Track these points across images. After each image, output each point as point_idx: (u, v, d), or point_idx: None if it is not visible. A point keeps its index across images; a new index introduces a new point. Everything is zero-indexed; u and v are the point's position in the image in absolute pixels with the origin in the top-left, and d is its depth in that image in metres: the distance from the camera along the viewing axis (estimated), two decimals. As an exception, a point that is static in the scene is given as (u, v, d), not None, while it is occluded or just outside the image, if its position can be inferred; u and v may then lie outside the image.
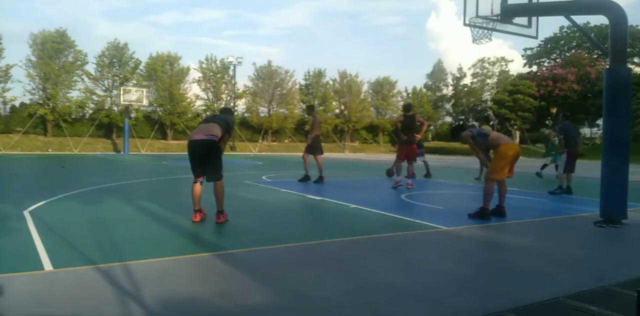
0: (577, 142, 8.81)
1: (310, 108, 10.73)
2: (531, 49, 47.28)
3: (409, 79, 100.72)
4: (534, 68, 46.28)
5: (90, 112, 31.78)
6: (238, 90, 36.26)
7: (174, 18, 76.61)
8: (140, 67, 33.04)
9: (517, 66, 54.51)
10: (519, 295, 2.90)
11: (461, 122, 44.39)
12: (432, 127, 46.69)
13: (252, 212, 6.32)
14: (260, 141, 36.78)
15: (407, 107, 9.66)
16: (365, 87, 42.37)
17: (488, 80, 46.12)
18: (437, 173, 13.97)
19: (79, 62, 30.62)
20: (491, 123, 10.23)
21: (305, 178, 10.08)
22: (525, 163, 21.84)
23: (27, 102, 29.59)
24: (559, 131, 8.89)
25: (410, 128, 9.20)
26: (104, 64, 31.36)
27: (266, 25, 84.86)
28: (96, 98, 31.56)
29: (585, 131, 44.22)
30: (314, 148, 10.00)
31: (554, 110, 39.37)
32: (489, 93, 46.05)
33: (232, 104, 34.67)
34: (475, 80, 46.24)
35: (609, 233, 5.11)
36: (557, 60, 45.50)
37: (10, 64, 28.04)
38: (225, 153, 5.45)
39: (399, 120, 9.47)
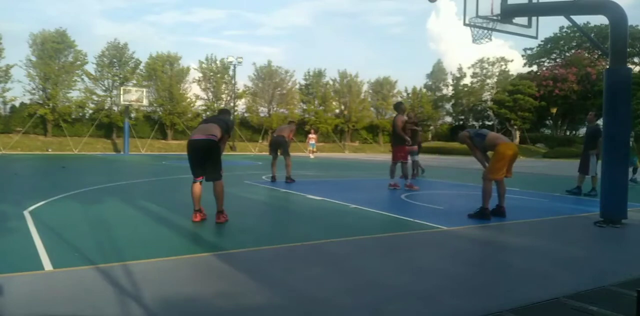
0: None
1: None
2: (531, 49, 47.29)
3: (409, 79, 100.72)
4: (534, 68, 46.31)
5: (90, 112, 31.74)
6: (238, 90, 36.24)
7: (174, 18, 76.52)
8: (140, 67, 33.01)
9: (518, 66, 54.51)
10: (519, 295, 2.90)
11: (461, 122, 44.40)
12: (431, 127, 46.71)
13: (252, 212, 6.32)
14: (260, 141, 36.76)
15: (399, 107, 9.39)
16: (365, 87, 42.35)
17: (488, 80, 46.07)
18: (437, 173, 13.97)
19: (79, 62, 30.56)
20: (407, 114, 9.85)
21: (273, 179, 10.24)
22: (526, 164, 21.85)
23: (27, 102, 29.56)
24: (600, 133, 8.58)
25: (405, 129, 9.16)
26: (104, 64, 31.33)
27: (266, 25, 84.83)
28: (96, 98, 31.51)
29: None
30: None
31: (554, 110, 39.35)
32: (489, 93, 46.01)
33: (232, 104, 34.65)
34: (475, 80, 46.22)
35: (609, 233, 5.11)
36: (557, 60, 45.49)
37: (10, 64, 28.03)
38: (225, 153, 5.45)
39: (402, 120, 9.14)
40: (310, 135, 28.80)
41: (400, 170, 9.27)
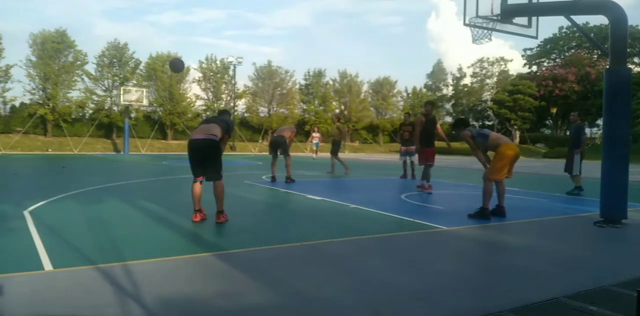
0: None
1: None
2: (531, 49, 47.33)
3: (409, 78, 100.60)
4: (534, 68, 46.30)
5: (90, 112, 31.75)
6: (238, 90, 36.24)
7: (174, 18, 76.58)
8: (140, 67, 33.01)
9: (517, 66, 54.51)
10: (519, 295, 2.90)
11: (462, 116, 44.36)
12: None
13: (252, 212, 6.32)
14: (260, 141, 36.75)
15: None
16: (365, 87, 42.37)
17: (487, 80, 46.07)
18: (437, 173, 13.96)
19: (79, 62, 30.55)
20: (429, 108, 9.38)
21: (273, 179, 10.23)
22: (526, 164, 21.84)
23: (27, 102, 29.55)
24: (582, 131, 8.89)
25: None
26: (104, 64, 31.33)
27: (266, 25, 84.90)
28: (96, 98, 31.52)
29: (586, 131, 44.24)
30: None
31: (554, 110, 39.36)
32: (489, 93, 46.01)
33: (232, 104, 34.65)
34: (475, 80, 46.22)
35: (609, 233, 5.11)
36: (557, 60, 45.51)
37: (10, 64, 28.02)
38: (225, 153, 5.45)
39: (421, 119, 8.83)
40: (314, 134, 28.01)
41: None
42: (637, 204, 6.94)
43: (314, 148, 26.43)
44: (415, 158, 12.02)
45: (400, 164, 12.00)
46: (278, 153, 10.17)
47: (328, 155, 13.81)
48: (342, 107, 40.92)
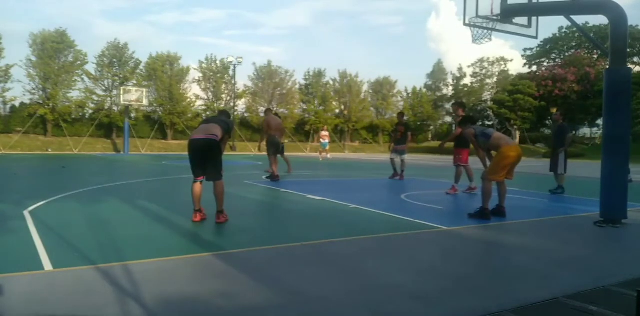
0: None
1: (267, 111, 11.46)
2: (531, 49, 47.32)
3: (409, 79, 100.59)
4: (534, 68, 46.29)
5: (90, 112, 31.76)
6: (238, 90, 36.23)
7: (174, 18, 76.60)
8: (140, 67, 33.02)
9: (518, 66, 54.55)
10: (519, 295, 2.90)
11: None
12: (431, 127, 46.71)
13: (252, 212, 6.32)
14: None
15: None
16: (365, 87, 42.39)
17: (488, 80, 46.07)
18: (437, 173, 13.97)
19: (79, 62, 30.56)
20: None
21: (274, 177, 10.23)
22: (526, 164, 21.84)
23: (27, 102, 29.57)
24: (566, 130, 8.94)
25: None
26: (104, 64, 31.34)
27: (266, 25, 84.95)
28: (96, 98, 31.53)
29: (585, 131, 44.36)
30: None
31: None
32: (489, 93, 46.00)
33: (232, 104, 34.64)
34: (475, 80, 46.21)
35: (609, 233, 5.11)
36: (557, 60, 45.50)
37: (10, 64, 28.04)
38: (225, 153, 5.45)
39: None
40: (323, 133, 25.54)
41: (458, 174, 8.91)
42: (637, 204, 6.94)
43: (323, 148, 24.60)
44: (405, 157, 11.96)
45: (390, 163, 11.84)
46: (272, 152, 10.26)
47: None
48: (342, 107, 40.93)
